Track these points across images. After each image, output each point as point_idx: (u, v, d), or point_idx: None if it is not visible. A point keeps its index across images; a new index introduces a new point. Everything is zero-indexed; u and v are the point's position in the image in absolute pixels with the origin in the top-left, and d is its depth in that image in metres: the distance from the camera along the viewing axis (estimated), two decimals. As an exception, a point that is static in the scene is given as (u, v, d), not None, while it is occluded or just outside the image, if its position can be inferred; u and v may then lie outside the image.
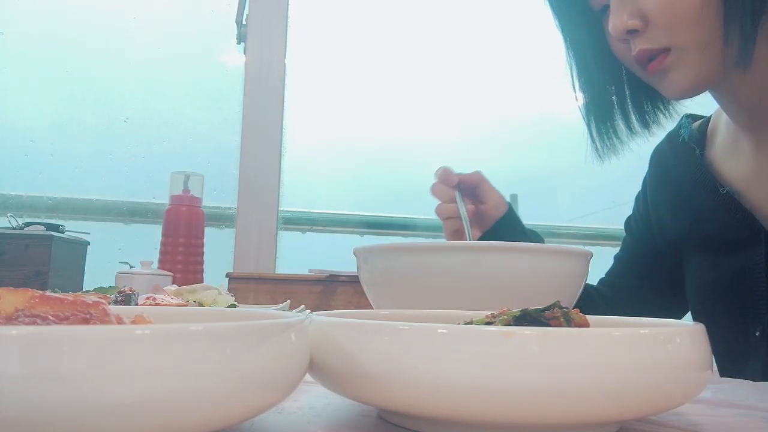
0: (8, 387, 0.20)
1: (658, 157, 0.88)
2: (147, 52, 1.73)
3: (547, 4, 0.78)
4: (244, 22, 1.73)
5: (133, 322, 0.30)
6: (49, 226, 1.19)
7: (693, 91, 0.70)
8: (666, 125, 0.83)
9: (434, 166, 0.87)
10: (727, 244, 0.74)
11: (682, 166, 0.81)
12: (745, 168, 0.74)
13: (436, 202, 0.85)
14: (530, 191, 1.86)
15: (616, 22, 0.67)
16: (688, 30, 0.64)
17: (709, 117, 0.84)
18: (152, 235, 1.43)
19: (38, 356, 0.20)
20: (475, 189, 0.85)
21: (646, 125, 0.81)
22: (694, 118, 0.85)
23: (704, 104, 0.81)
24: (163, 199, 1.40)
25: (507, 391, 0.26)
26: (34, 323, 0.25)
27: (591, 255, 0.65)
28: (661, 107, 0.81)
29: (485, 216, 0.86)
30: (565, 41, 0.80)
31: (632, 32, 0.67)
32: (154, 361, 0.22)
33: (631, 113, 0.80)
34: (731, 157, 0.77)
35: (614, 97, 0.80)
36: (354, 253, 0.69)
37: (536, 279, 0.59)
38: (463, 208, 0.80)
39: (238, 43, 1.75)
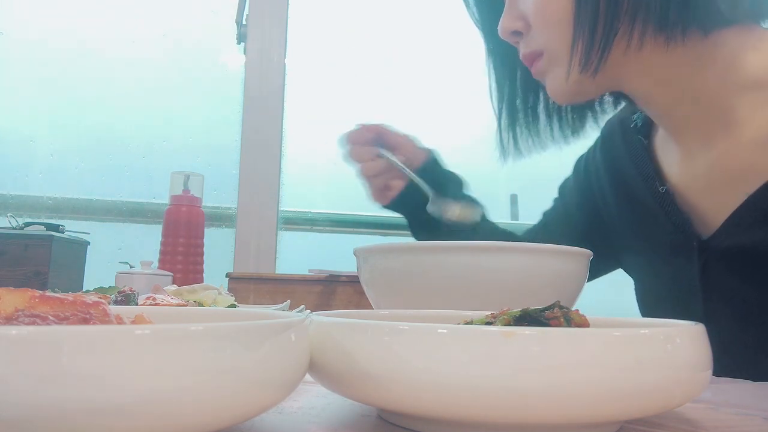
0: (8, 387, 0.20)
1: (607, 134, 0.83)
2: (147, 52, 1.73)
3: (468, 8, 0.80)
4: (244, 22, 1.73)
5: (133, 322, 0.30)
6: (49, 226, 1.19)
7: (573, 96, 0.69)
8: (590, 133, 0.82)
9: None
10: (664, 247, 0.71)
11: (629, 153, 0.77)
12: (678, 169, 0.71)
13: None
14: (530, 191, 1.86)
15: (503, 23, 0.69)
16: (557, 33, 0.65)
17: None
18: (152, 235, 1.43)
19: (38, 356, 0.20)
20: (383, 138, 0.85)
21: (571, 131, 0.81)
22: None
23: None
24: (163, 199, 1.40)
25: (507, 391, 0.26)
26: (34, 323, 0.25)
27: (591, 255, 0.65)
28: (588, 113, 0.80)
29: (406, 164, 0.84)
30: (486, 45, 0.83)
31: (516, 34, 0.69)
32: (154, 361, 0.22)
33: (552, 119, 0.80)
34: (668, 154, 0.73)
35: (524, 104, 0.81)
36: (354, 253, 0.69)
37: (536, 279, 0.59)
38: (394, 157, 0.79)
39: (238, 43, 1.75)
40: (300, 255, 1.75)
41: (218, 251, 1.62)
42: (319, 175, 1.85)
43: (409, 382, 0.28)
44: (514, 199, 1.91)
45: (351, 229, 1.86)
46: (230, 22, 1.73)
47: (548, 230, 0.91)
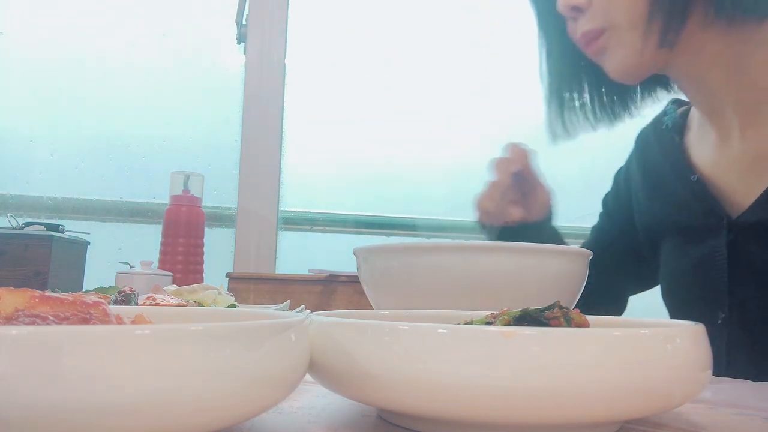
0: (8, 387, 0.20)
1: (642, 141, 0.88)
2: (147, 52, 1.73)
3: None
4: (244, 22, 1.73)
5: (133, 322, 0.30)
6: (49, 226, 1.19)
7: (633, 73, 0.70)
8: (628, 120, 0.84)
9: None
10: (695, 231, 0.74)
11: (662, 151, 0.82)
12: (712, 155, 0.75)
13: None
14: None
15: None
16: (624, 8, 0.65)
17: (690, 107, 0.85)
18: (152, 235, 1.43)
19: (38, 356, 0.20)
20: (530, 181, 0.82)
21: (608, 115, 0.82)
22: (680, 103, 0.86)
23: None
24: (163, 199, 1.40)
25: (507, 391, 0.26)
26: (34, 323, 0.25)
27: (591, 255, 0.65)
28: (628, 100, 0.82)
29: (527, 210, 0.83)
30: (538, 24, 0.82)
31: (577, 10, 0.69)
32: (154, 361, 0.22)
33: (594, 101, 0.82)
34: (702, 144, 0.77)
35: (576, 85, 0.82)
36: (354, 253, 0.69)
37: (536, 279, 0.59)
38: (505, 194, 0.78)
39: (238, 43, 1.74)
40: (300, 255, 1.75)
41: (218, 251, 1.62)
42: (319, 175, 1.85)
43: (409, 382, 0.28)
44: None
45: (351, 229, 1.86)
46: (230, 22, 1.73)
47: (596, 245, 0.92)
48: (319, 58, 1.86)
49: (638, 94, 0.83)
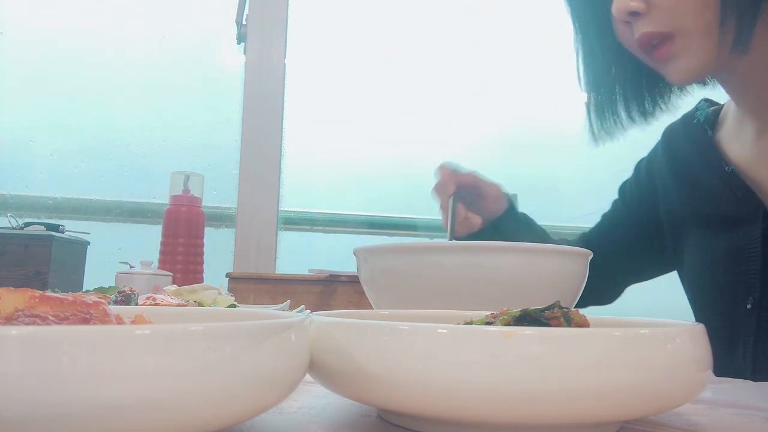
0: (8, 387, 0.20)
1: (670, 134, 0.89)
2: (147, 52, 1.73)
3: None
4: (244, 22, 1.73)
5: (133, 322, 0.30)
6: (49, 226, 1.19)
7: (697, 78, 0.71)
8: (662, 118, 0.84)
9: (434, 166, 0.88)
10: (728, 220, 0.76)
11: (692, 144, 0.83)
12: (748, 150, 0.76)
13: (436, 202, 0.87)
14: (530, 191, 1.86)
15: (619, 3, 0.67)
16: (692, 13, 0.64)
17: (723, 104, 0.86)
18: (152, 235, 1.43)
19: (38, 356, 0.20)
20: (473, 188, 0.87)
21: (643, 114, 0.82)
22: (710, 103, 0.87)
23: (712, 93, 0.83)
24: (163, 199, 1.40)
25: (507, 391, 0.26)
26: (34, 323, 0.25)
27: (591, 255, 0.65)
28: (658, 99, 0.83)
29: (486, 211, 0.88)
30: (574, 25, 0.81)
31: (634, 14, 0.67)
32: (153, 361, 0.22)
33: (631, 101, 0.82)
34: (736, 140, 0.78)
35: (616, 84, 0.82)
36: (354, 253, 0.69)
37: (536, 279, 0.59)
38: (453, 214, 0.82)
39: (238, 43, 1.74)
40: (300, 255, 1.75)
41: (218, 251, 1.62)
42: (319, 175, 1.85)
43: (409, 382, 0.28)
44: (514, 199, 1.90)
45: (351, 229, 1.86)
46: (230, 22, 1.73)
47: (606, 231, 0.97)
48: (319, 58, 1.86)
49: (672, 90, 0.83)
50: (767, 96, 0.73)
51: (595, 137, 0.84)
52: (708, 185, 0.79)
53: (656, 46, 0.68)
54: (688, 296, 0.84)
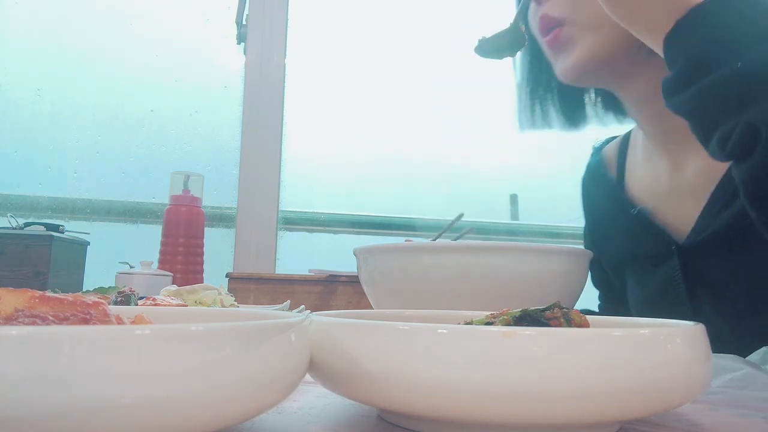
0: (8, 387, 0.20)
1: (584, 188, 0.90)
2: (147, 52, 1.73)
3: None
4: (244, 23, 1.73)
5: (133, 322, 0.30)
6: (49, 226, 1.19)
7: (581, 74, 0.68)
8: (584, 128, 0.85)
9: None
10: (649, 260, 0.75)
11: (602, 192, 0.84)
12: (658, 186, 0.75)
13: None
14: (530, 191, 1.86)
15: None
16: (587, 3, 0.63)
17: (628, 133, 0.85)
18: (152, 235, 1.43)
19: (38, 356, 0.20)
20: None
21: (572, 121, 0.83)
22: (607, 141, 0.88)
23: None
24: (163, 199, 1.40)
25: (507, 391, 0.26)
26: (34, 323, 0.25)
27: (591, 255, 0.65)
28: (568, 104, 0.83)
29: None
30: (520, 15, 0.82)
31: None
32: (153, 361, 0.22)
33: (553, 100, 0.83)
34: (646, 176, 0.77)
35: (543, 80, 0.82)
36: (354, 253, 0.69)
37: (536, 279, 0.59)
38: None
39: (238, 43, 1.75)
40: (300, 255, 1.75)
41: (218, 251, 1.62)
42: (319, 175, 1.85)
43: (409, 382, 0.28)
44: (514, 199, 1.90)
45: (351, 229, 1.86)
46: (230, 22, 1.73)
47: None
48: (319, 58, 1.86)
49: (587, 107, 0.83)
50: (667, 131, 0.71)
51: (521, 125, 0.84)
52: (623, 228, 0.79)
53: (550, 32, 0.67)
54: None
